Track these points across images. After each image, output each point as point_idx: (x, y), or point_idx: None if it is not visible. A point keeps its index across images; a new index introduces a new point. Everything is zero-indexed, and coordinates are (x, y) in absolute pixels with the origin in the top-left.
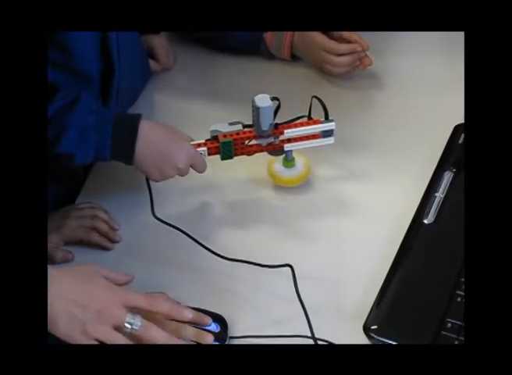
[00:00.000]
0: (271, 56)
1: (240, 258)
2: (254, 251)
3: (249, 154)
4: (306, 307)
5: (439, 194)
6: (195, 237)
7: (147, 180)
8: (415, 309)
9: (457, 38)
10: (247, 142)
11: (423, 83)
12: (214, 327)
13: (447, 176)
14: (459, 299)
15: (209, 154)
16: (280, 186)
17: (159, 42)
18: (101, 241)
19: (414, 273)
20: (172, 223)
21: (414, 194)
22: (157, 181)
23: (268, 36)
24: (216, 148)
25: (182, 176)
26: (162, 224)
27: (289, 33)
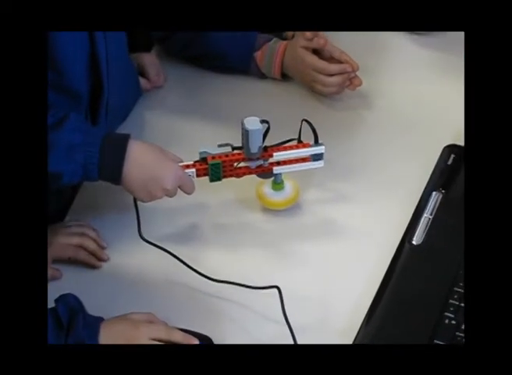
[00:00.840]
0: (261, 75)
1: (227, 280)
2: (241, 272)
3: (238, 176)
4: (294, 327)
5: (428, 215)
6: (183, 258)
7: (135, 200)
8: (403, 329)
9: (447, 59)
10: (235, 164)
11: (412, 104)
12: None
13: (436, 197)
14: (447, 321)
15: (198, 175)
16: (269, 209)
17: (149, 60)
18: (89, 259)
19: (403, 294)
20: (160, 244)
21: (403, 215)
22: (144, 202)
23: (259, 55)
24: (205, 169)
25: (170, 197)
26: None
27: (279, 53)
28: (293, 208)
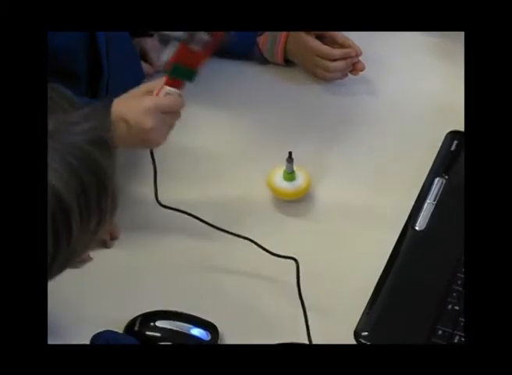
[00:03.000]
0: (264, 61)
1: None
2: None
3: (197, 63)
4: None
5: (431, 201)
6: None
7: (154, 165)
8: (406, 316)
9: (451, 44)
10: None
11: (416, 89)
12: (204, 335)
13: (439, 183)
14: (450, 306)
15: (175, 87)
16: (281, 199)
17: (152, 45)
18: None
19: (405, 280)
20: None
21: (406, 201)
22: (156, 146)
23: (262, 40)
24: (176, 78)
25: (170, 126)
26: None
27: (282, 38)
28: (305, 198)
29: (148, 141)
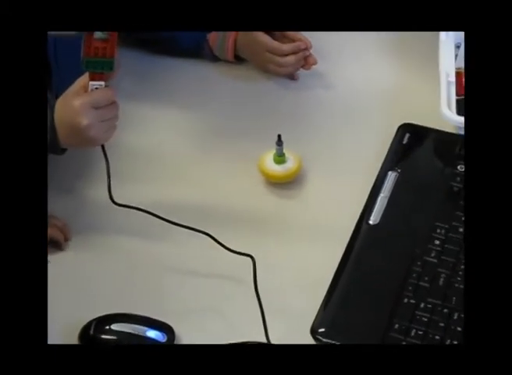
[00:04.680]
0: (214, 58)
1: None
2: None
3: (108, 50)
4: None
5: (384, 194)
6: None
7: (107, 162)
8: (362, 311)
9: (402, 40)
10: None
11: (368, 83)
12: (160, 337)
13: (392, 176)
14: (406, 300)
15: (100, 80)
16: (271, 182)
17: None
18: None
19: (361, 275)
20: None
21: (360, 195)
22: (99, 144)
23: (212, 37)
24: (95, 72)
25: (109, 120)
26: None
27: (232, 35)
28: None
29: (90, 138)
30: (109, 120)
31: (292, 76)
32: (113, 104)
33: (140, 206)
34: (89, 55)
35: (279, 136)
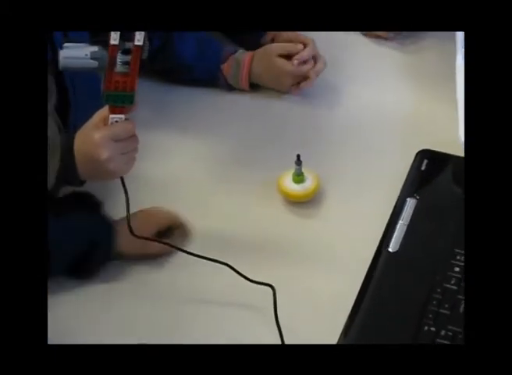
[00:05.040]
0: (229, 87)
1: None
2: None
3: (129, 83)
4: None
5: (403, 222)
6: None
7: (127, 198)
8: (383, 339)
9: (422, 63)
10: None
11: (386, 107)
12: None
13: (411, 203)
14: (426, 328)
15: (120, 113)
16: (290, 200)
17: None
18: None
19: (381, 303)
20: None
21: (379, 221)
22: (117, 177)
23: (225, 67)
24: (115, 105)
25: (129, 152)
26: None
27: (246, 64)
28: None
29: (109, 171)
30: (129, 153)
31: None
32: (133, 137)
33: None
34: (110, 89)
35: (298, 156)
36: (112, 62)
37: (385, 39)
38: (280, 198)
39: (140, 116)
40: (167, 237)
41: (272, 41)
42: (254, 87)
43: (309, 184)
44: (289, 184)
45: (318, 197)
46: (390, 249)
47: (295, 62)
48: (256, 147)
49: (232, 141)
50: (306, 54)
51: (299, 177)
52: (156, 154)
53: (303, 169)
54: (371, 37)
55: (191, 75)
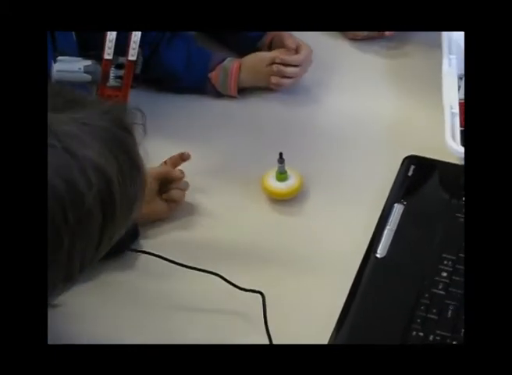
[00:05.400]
0: (218, 94)
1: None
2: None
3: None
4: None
5: (391, 227)
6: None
7: None
8: (371, 344)
9: (405, 68)
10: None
11: (372, 112)
12: None
13: (398, 209)
14: (414, 333)
15: None
16: (273, 198)
17: None
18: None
19: (369, 308)
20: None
21: (366, 227)
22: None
23: (213, 76)
24: None
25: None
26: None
27: (233, 72)
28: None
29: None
30: None
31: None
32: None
33: (145, 246)
34: None
35: (281, 154)
36: (105, 77)
37: (371, 39)
38: (264, 197)
39: None
40: (166, 193)
41: (269, 45)
42: (242, 90)
43: (292, 182)
44: (272, 182)
45: (301, 196)
46: (378, 255)
47: (274, 67)
48: (242, 148)
49: (219, 144)
50: (290, 59)
51: (282, 175)
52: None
53: (286, 168)
54: (354, 38)
55: (179, 84)
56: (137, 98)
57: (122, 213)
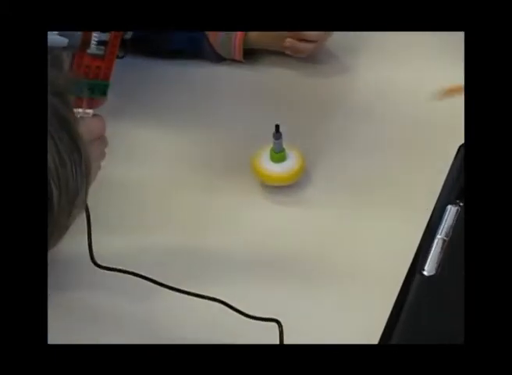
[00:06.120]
0: (218, 58)
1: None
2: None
3: (104, 70)
4: None
5: (442, 236)
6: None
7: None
8: None
9: (457, 40)
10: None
11: (416, 87)
12: None
13: (452, 212)
14: None
15: (89, 107)
16: (268, 185)
17: None
18: None
19: (414, 338)
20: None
21: (410, 236)
22: None
23: (212, 34)
24: (84, 97)
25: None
26: None
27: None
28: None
29: None
30: (94, 160)
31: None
32: (101, 139)
33: (126, 261)
34: (80, 76)
35: (277, 126)
36: (86, 41)
37: None
38: (256, 184)
39: (114, 97)
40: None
41: None
42: (249, 54)
43: (291, 164)
44: (266, 164)
45: (303, 181)
46: (425, 272)
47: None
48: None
49: (218, 117)
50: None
51: (278, 155)
52: (119, 152)
53: (285, 145)
54: None
55: (172, 45)
56: (123, 70)
57: (60, 209)
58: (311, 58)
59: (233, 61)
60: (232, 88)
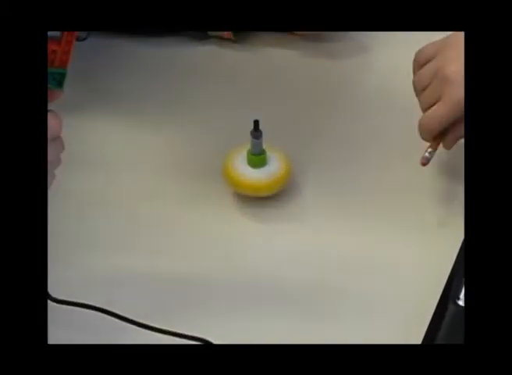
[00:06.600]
0: (201, 34)
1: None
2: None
3: (62, 57)
4: None
5: None
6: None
7: None
8: None
9: None
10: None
11: None
12: None
13: None
14: None
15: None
16: (244, 195)
17: None
18: None
19: None
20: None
21: (440, 255)
22: None
23: None
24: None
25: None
26: None
27: None
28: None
29: None
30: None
31: None
32: (55, 141)
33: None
34: None
35: (256, 122)
36: None
37: None
38: (229, 193)
39: (92, 83)
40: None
41: None
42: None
43: (274, 169)
44: (242, 169)
45: (288, 191)
46: (460, 301)
47: None
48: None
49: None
50: None
51: (257, 158)
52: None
53: (265, 146)
54: None
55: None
56: (85, 55)
57: None
58: (317, 36)
59: (221, 39)
60: (217, 74)
